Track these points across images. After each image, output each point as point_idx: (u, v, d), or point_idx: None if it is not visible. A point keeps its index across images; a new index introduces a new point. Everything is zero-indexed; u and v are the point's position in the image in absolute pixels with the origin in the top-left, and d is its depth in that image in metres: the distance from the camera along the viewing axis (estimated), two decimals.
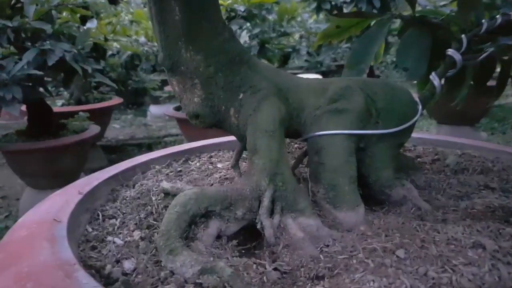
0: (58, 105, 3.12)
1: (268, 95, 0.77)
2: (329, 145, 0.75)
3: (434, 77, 0.82)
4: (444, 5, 1.10)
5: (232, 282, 0.56)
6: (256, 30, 2.45)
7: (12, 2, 2.09)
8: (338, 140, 0.75)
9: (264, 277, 0.60)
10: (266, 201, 0.69)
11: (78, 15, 2.24)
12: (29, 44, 2.01)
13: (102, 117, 3.08)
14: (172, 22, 0.73)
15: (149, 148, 3.65)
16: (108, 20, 2.58)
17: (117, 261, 0.64)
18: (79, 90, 3.08)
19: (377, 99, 0.79)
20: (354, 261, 0.61)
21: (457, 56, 0.81)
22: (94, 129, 2.50)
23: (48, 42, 1.92)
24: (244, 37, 2.76)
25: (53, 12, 2.06)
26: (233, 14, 2.30)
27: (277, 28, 2.51)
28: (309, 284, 0.58)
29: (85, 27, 2.26)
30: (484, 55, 0.81)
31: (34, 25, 1.86)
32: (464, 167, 0.94)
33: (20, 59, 1.87)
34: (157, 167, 1.04)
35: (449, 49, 0.83)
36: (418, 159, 1.04)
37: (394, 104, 0.80)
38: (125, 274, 0.62)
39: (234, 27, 2.38)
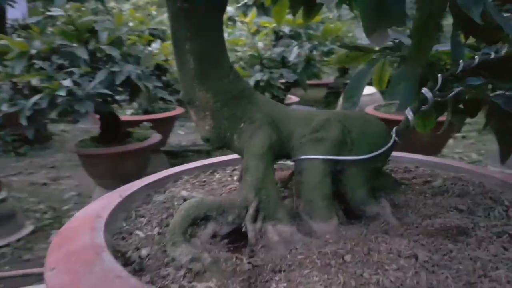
0: (127, 114, 3.55)
1: (262, 125, 0.97)
2: (308, 168, 0.94)
3: (408, 112, 0.97)
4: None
5: (210, 268, 0.77)
6: (303, 48, 2.64)
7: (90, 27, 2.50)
8: (315, 163, 0.93)
9: (238, 268, 0.80)
10: (251, 210, 0.90)
11: None
12: (102, 64, 2.38)
13: (165, 125, 3.45)
14: (187, 70, 0.96)
15: (208, 154, 3.97)
16: None
17: (137, 249, 0.89)
18: (146, 101, 3.48)
19: (353, 130, 0.96)
20: (308, 260, 0.79)
21: (428, 95, 0.95)
22: (156, 137, 2.85)
23: (117, 63, 2.27)
24: (294, 53, 2.94)
25: (123, 36, 2.42)
26: (281, 34, 2.52)
27: (321, 47, 2.68)
28: (270, 275, 0.78)
29: (150, 48, 2.61)
30: (452, 94, 0.94)
31: (105, 49, 2.23)
32: (445, 190, 1.06)
33: (94, 78, 2.24)
34: (186, 177, 1.28)
35: (423, 88, 0.97)
36: (413, 179, 1.18)
37: (367, 135, 0.96)
38: (140, 258, 0.85)
39: (281, 47, 2.60)
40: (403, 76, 1.08)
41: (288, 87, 2.81)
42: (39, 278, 2.18)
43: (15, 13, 4.77)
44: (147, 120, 3.06)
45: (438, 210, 0.97)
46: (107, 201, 1.07)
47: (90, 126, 5.32)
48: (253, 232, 0.88)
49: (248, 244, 0.89)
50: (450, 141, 4.01)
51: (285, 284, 0.73)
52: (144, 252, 0.87)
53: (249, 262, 0.82)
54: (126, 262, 0.84)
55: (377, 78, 1.28)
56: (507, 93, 0.91)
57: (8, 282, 2.16)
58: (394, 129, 0.99)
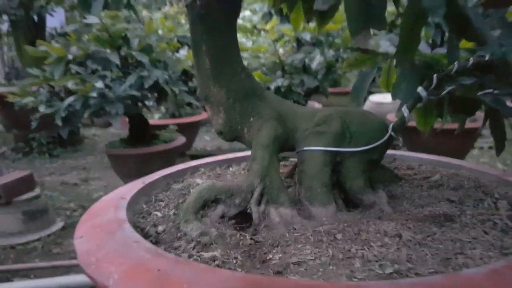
0: (155, 118, 3.74)
1: (269, 119, 1.09)
2: (309, 158, 1.04)
3: (404, 109, 1.07)
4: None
5: (216, 241, 0.89)
6: (326, 54, 2.74)
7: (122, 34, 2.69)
8: (316, 154, 1.04)
9: (241, 242, 0.91)
10: (256, 194, 1.01)
11: None
12: (133, 69, 2.57)
13: (190, 129, 3.62)
14: (204, 69, 1.09)
15: None
16: None
17: (154, 225, 1.01)
18: (174, 106, 3.66)
19: (352, 125, 1.06)
20: (303, 237, 0.90)
21: (423, 93, 1.05)
22: (181, 140, 3.01)
23: (146, 68, 2.45)
24: (317, 60, 3.04)
25: (152, 43, 2.60)
26: (303, 41, 2.63)
27: (343, 54, 2.77)
28: (268, 249, 0.88)
29: (177, 55, 2.78)
30: (444, 92, 1.03)
31: (136, 55, 2.41)
32: (440, 184, 1.14)
33: (124, 82, 2.42)
34: (203, 169, 1.41)
35: (419, 87, 1.07)
36: (414, 175, 1.26)
37: (365, 129, 1.06)
38: (157, 233, 0.98)
39: (302, 54, 2.71)
40: (405, 77, 1.18)
41: (310, 93, 2.92)
42: (67, 270, 2.35)
43: (54, 21, 5.10)
44: (173, 124, 3.23)
45: (431, 200, 1.05)
46: (131, 187, 1.21)
47: (121, 130, 5.61)
48: (257, 214, 1.00)
49: (252, 224, 1.00)
50: (476, 151, 4.01)
51: (280, 255, 0.84)
52: (160, 228, 1.00)
53: (251, 238, 0.93)
54: (144, 236, 0.96)
55: (385, 80, 1.38)
56: (495, 92, 0.99)
57: (39, 272, 2.34)
58: (391, 125, 1.08)
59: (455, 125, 1.30)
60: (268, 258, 0.84)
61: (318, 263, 0.80)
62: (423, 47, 1.26)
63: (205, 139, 5.22)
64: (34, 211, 2.80)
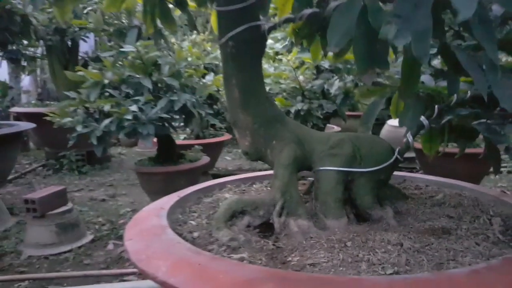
0: (181, 139, 3.96)
1: (289, 142, 1.26)
2: (324, 176, 1.21)
3: (408, 136, 1.23)
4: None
5: (244, 245, 1.06)
6: (344, 80, 2.92)
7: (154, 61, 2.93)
8: (330, 173, 1.21)
9: (264, 247, 1.08)
10: (277, 207, 1.18)
11: None
12: (163, 93, 2.79)
13: (214, 149, 3.82)
14: (233, 99, 1.28)
15: None
16: None
17: (190, 232, 1.19)
18: (198, 127, 3.88)
19: (362, 148, 1.23)
20: (318, 244, 1.06)
21: (425, 122, 1.21)
22: (205, 159, 3.20)
23: (175, 93, 2.67)
24: (336, 85, 3.20)
25: (182, 69, 2.83)
26: (322, 68, 2.82)
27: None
28: (288, 253, 1.05)
29: (204, 80, 3.01)
30: (444, 121, 1.19)
31: (167, 81, 2.63)
32: (443, 202, 1.29)
33: (155, 105, 2.64)
34: (230, 186, 1.58)
35: (422, 116, 1.23)
36: (421, 194, 1.41)
37: (374, 152, 1.22)
38: (193, 238, 1.16)
39: (321, 80, 2.90)
40: (410, 107, 1.34)
41: (328, 117, 3.09)
42: (98, 279, 2.53)
43: (84, 46, 5.44)
44: (197, 144, 3.43)
45: (432, 216, 1.20)
46: (167, 199, 1.40)
47: (145, 149, 5.87)
48: (278, 224, 1.16)
49: (274, 233, 1.17)
50: (495, 176, 4.08)
51: (298, 258, 1.00)
52: (195, 234, 1.17)
53: (273, 244, 1.10)
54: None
55: (394, 109, 1.54)
56: (488, 121, 1.14)
57: (71, 281, 2.52)
58: (397, 149, 1.24)
59: (469, 150, 1.43)
60: (287, 260, 1.01)
61: (330, 264, 0.96)
62: (427, 80, 1.42)
63: (226, 159, 5.42)
64: (67, 224, 2.98)
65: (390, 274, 0.90)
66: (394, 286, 0.76)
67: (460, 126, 1.22)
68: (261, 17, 1.31)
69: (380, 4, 0.97)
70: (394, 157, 1.22)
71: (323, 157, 1.24)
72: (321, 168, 1.22)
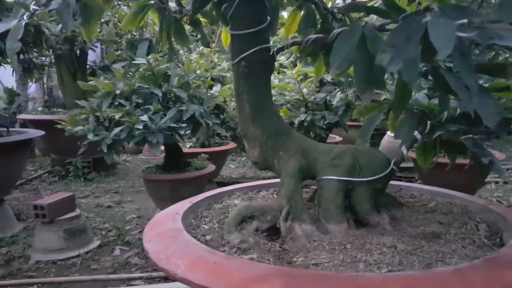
0: (187, 147, 4.09)
1: (295, 153, 1.39)
2: (326, 185, 1.34)
3: (403, 148, 1.36)
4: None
5: (253, 247, 1.19)
6: (346, 93, 3.06)
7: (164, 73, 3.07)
8: (332, 182, 1.33)
9: (272, 249, 1.20)
10: (283, 213, 1.31)
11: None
12: (172, 103, 2.93)
13: (219, 158, 3.95)
14: (244, 113, 1.41)
15: None
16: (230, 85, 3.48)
17: (203, 235, 1.31)
18: (204, 136, 4.01)
19: (361, 159, 1.36)
20: (320, 246, 1.18)
21: (418, 136, 1.34)
22: (211, 167, 3.33)
23: (184, 103, 2.80)
24: (338, 97, 3.34)
25: (190, 81, 2.97)
26: (325, 81, 2.96)
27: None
28: (293, 254, 1.17)
29: (211, 91, 3.14)
30: (435, 135, 1.31)
31: (176, 91, 2.77)
32: (435, 209, 1.41)
33: (165, 115, 2.77)
34: (238, 193, 1.71)
35: (415, 131, 1.36)
36: (415, 202, 1.54)
37: (371, 163, 1.35)
38: (206, 240, 1.28)
39: (324, 93, 3.04)
40: (405, 122, 1.47)
41: (331, 127, 3.23)
42: (105, 284, 2.64)
43: (91, 55, 5.59)
44: (203, 153, 3.56)
45: (425, 222, 1.33)
46: (181, 205, 1.52)
47: (150, 156, 6.01)
48: (284, 228, 1.29)
49: (280, 236, 1.29)
50: (493, 185, 4.21)
51: (302, 259, 1.13)
52: (208, 237, 1.30)
53: (280, 246, 1.22)
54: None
55: (391, 124, 1.67)
56: (475, 137, 1.27)
57: (78, 286, 2.63)
58: (393, 161, 1.37)
59: (463, 161, 1.53)
60: (293, 260, 1.13)
61: (331, 264, 1.08)
62: (421, 97, 1.55)
63: (230, 167, 5.55)
64: (75, 230, 3.08)
65: (385, 272, 1.02)
66: (387, 282, 0.88)
67: (450, 140, 1.35)
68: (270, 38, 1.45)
69: (378, 32, 1.10)
70: (390, 168, 1.35)
71: (326, 167, 1.37)
72: (324, 177, 1.35)
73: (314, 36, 1.29)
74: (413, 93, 1.54)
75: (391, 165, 1.36)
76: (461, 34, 0.79)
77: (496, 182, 4.23)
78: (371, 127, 1.48)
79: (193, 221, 1.44)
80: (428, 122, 1.36)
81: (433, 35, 0.76)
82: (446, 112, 1.36)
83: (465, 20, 0.77)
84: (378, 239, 1.19)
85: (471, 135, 1.28)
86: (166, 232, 1.25)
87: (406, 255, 1.11)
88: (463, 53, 0.83)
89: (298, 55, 1.74)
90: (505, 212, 1.33)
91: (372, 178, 1.33)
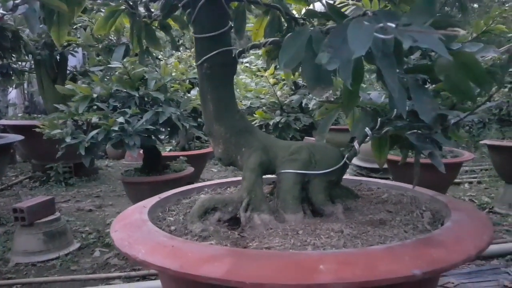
0: (167, 150, 4.20)
1: (256, 150, 1.51)
2: (284, 178, 1.46)
3: (355, 144, 1.48)
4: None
5: (213, 235, 1.30)
6: None
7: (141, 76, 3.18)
8: (290, 175, 1.46)
9: (230, 236, 1.32)
10: (244, 204, 1.42)
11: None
12: (149, 106, 3.04)
13: (199, 161, 4.06)
14: (208, 112, 1.53)
15: None
16: None
17: (168, 226, 1.42)
18: (184, 140, 4.12)
19: (316, 154, 1.48)
20: (275, 233, 1.30)
21: (369, 132, 1.47)
22: (190, 169, 3.44)
23: (161, 106, 2.92)
24: (314, 100, 3.48)
25: (167, 84, 3.08)
26: (299, 84, 3.11)
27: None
28: (249, 240, 1.28)
29: (189, 94, 3.26)
30: (383, 132, 1.45)
31: (153, 94, 2.88)
32: (386, 200, 1.54)
33: (142, 118, 2.88)
34: (207, 189, 1.82)
35: (366, 128, 1.48)
36: (371, 195, 1.67)
37: (326, 158, 1.48)
38: (170, 230, 1.39)
39: (298, 96, 3.19)
40: (360, 120, 1.60)
41: (306, 130, 3.36)
42: (84, 284, 2.72)
43: (72, 61, 5.66)
44: (182, 156, 3.67)
45: (375, 211, 1.45)
46: (149, 200, 1.63)
47: (132, 161, 6.08)
48: (244, 218, 1.41)
49: (240, 226, 1.41)
50: (466, 185, 4.38)
51: (257, 243, 1.24)
52: (172, 227, 1.41)
53: (239, 234, 1.34)
54: None
55: (350, 122, 1.80)
56: (419, 132, 1.40)
57: (58, 286, 2.71)
58: (346, 155, 1.50)
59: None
60: (248, 245, 1.24)
61: (283, 247, 1.20)
62: (375, 96, 1.68)
63: (212, 171, 5.66)
64: (54, 232, 3.15)
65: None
66: (324, 258, 1.00)
67: (398, 136, 1.48)
68: (238, 41, 1.57)
69: (323, 35, 1.23)
70: (343, 161, 1.47)
71: (285, 161, 1.49)
72: (282, 171, 1.47)
73: (271, 39, 1.42)
74: (369, 93, 1.68)
75: (344, 159, 1.48)
76: (381, 36, 0.92)
77: (470, 182, 4.40)
78: (328, 124, 1.61)
79: (160, 214, 1.55)
80: (379, 119, 1.49)
81: (350, 37, 0.89)
82: (395, 109, 1.49)
83: (381, 24, 0.90)
84: (328, 225, 1.32)
85: (415, 130, 1.41)
86: (132, 223, 1.36)
87: (351, 238, 1.23)
88: (386, 53, 0.96)
89: (266, 59, 1.86)
90: (449, 201, 1.46)
91: (327, 171, 1.45)
